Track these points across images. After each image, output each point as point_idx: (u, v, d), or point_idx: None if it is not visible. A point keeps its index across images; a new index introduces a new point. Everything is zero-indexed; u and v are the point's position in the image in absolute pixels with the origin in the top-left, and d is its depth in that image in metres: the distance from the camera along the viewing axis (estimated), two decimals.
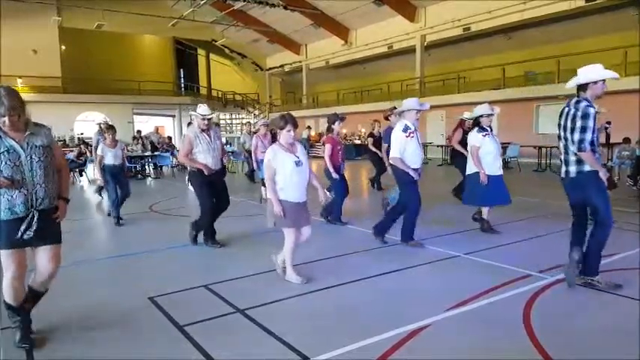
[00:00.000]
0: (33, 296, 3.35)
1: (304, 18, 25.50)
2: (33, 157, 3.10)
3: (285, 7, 23.79)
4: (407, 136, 5.54)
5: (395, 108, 8.04)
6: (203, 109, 5.87)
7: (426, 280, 4.61)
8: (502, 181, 6.17)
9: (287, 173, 4.31)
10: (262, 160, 8.19)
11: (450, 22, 21.12)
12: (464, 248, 5.49)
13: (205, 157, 5.73)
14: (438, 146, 20.15)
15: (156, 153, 16.65)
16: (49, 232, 3.18)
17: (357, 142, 23.57)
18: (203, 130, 5.80)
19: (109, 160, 7.48)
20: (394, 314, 3.66)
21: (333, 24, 26.30)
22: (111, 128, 7.73)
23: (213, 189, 5.83)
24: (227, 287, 4.36)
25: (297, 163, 4.34)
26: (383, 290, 4.28)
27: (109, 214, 7.75)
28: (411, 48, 23.60)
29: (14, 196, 3.04)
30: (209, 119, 5.85)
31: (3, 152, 3.02)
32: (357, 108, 25.02)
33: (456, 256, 5.28)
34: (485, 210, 6.36)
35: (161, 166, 16.84)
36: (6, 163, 3.02)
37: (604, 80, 4.01)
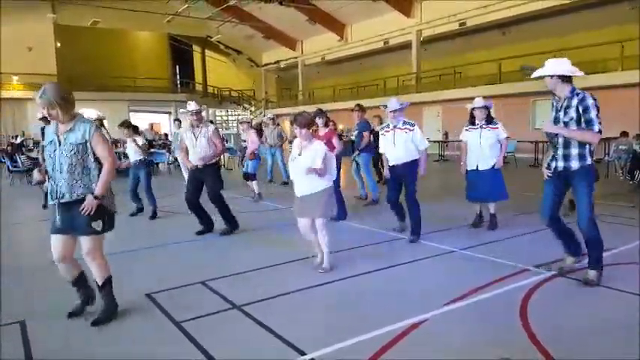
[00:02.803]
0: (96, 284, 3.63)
1: (300, 14, 25.40)
2: (64, 152, 3.32)
3: (280, 3, 23.69)
4: (382, 134, 6.06)
5: (358, 105, 8.89)
6: (191, 105, 6.22)
7: (424, 276, 4.61)
8: (480, 177, 6.15)
9: (290, 169, 4.74)
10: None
11: (446, 18, 21.09)
12: (461, 243, 5.50)
13: (191, 153, 6.21)
14: (434, 142, 20.13)
15: (151, 150, 16.57)
16: (76, 223, 3.38)
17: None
18: (193, 127, 6.19)
19: None
20: (392, 309, 3.65)
21: (329, 19, 26.22)
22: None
23: (193, 182, 6.27)
24: (224, 283, 4.35)
25: (294, 160, 4.60)
26: (380, 285, 4.28)
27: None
28: (407, 43, 23.55)
29: (49, 185, 3.43)
30: (196, 113, 6.17)
31: (48, 143, 3.39)
32: (353, 104, 24.87)
33: (452, 251, 5.28)
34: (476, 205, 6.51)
35: (157, 163, 16.78)
36: (48, 153, 3.38)
37: (551, 76, 4.02)
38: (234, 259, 5.21)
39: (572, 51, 17.03)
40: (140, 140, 7.61)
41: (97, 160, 3.40)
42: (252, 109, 34.56)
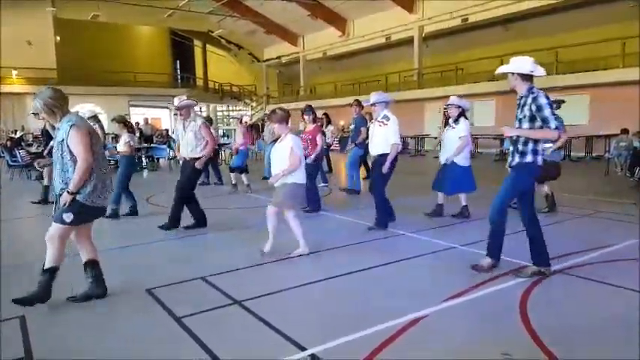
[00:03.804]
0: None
1: (301, 9, 25.33)
2: (55, 149, 3.63)
3: None
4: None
5: (357, 101, 9.26)
6: (175, 101, 6.35)
7: (422, 272, 4.61)
8: (444, 171, 6.73)
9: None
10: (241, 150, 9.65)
11: (448, 13, 21.02)
12: (460, 240, 5.50)
13: (180, 146, 6.39)
14: (435, 138, 20.12)
15: (152, 145, 16.57)
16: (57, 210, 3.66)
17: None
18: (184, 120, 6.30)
19: None
20: (392, 305, 3.65)
21: (331, 15, 26.14)
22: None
23: (181, 174, 6.44)
24: (224, 279, 4.36)
25: (272, 152, 5.06)
26: (380, 281, 4.28)
27: None
28: (409, 39, 23.49)
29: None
30: (177, 108, 6.27)
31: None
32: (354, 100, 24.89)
33: (452, 247, 5.28)
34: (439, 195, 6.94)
35: (157, 158, 16.78)
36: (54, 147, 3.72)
37: (513, 73, 4.12)
38: (233, 255, 5.21)
39: (574, 48, 17.03)
40: (124, 139, 7.29)
41: (74, 158, 3.56)
42: (254, 104, 34.51)
